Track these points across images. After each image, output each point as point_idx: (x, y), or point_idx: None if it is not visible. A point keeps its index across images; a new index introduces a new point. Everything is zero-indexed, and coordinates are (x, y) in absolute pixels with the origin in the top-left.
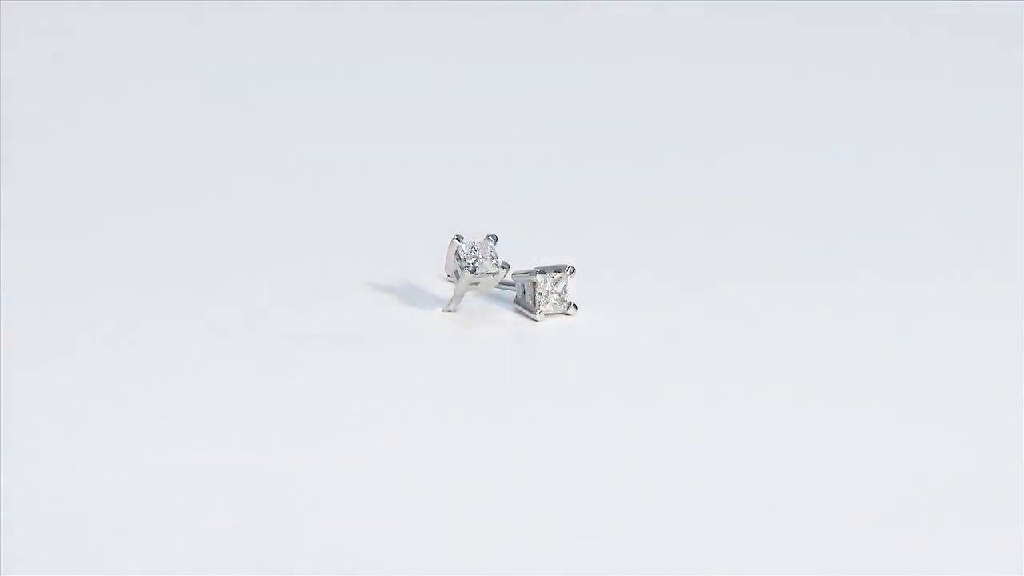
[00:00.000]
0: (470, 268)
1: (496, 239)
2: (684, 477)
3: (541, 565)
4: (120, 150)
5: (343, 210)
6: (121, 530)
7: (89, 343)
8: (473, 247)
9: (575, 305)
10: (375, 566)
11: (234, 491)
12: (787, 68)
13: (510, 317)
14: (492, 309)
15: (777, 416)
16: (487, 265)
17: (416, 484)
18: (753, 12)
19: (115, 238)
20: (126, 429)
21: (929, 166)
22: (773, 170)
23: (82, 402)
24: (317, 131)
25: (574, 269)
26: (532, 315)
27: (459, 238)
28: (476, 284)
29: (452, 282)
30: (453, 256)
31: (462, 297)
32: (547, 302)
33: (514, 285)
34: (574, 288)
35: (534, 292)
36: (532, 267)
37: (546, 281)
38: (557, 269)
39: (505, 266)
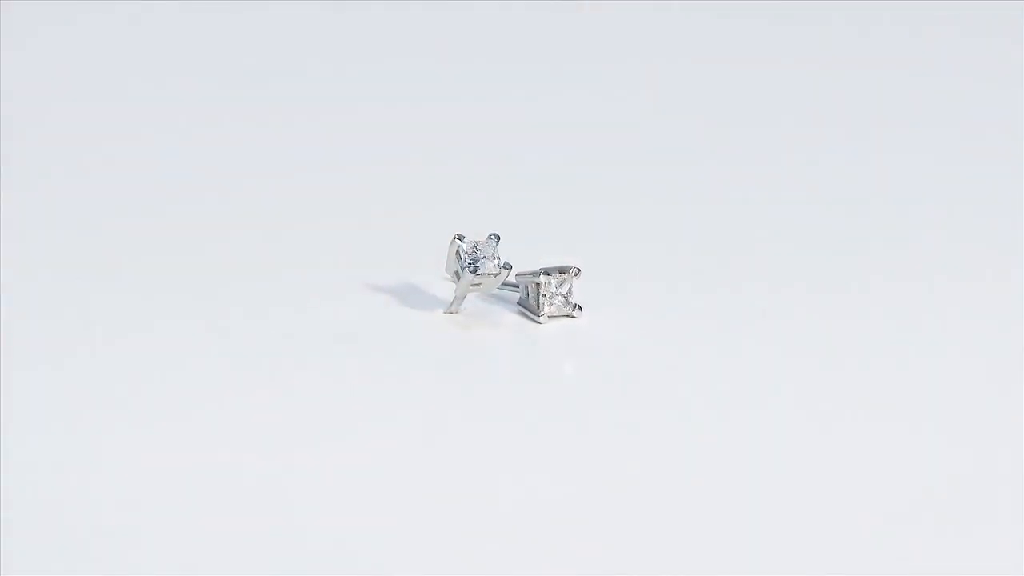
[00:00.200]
0: (471, 268)
1: (498, 239)
2: (685, 479)
3: (541, 565)
4: (120, 150)
5: (344, 210)
6: (121, 530)
7: (89, 343)
8: (475, 247)
9: (580, 307)
10: (375, 566)
11: (234, 491)
12: (792, 69)
13: (513, 319)
14: (495, 311)
15: (780, 419)
16: (488, 265)
17: (415, 485)
18: (755, 12)
19: (115, 238)
20: (126, 429)
21: (933, 167)
22: (782, 172)
23: (83, 402)
24: (317, 131)
25: (580, 270)
26: (536, 318)
27: (460, 237)
28: (478, 285)
29: (454, 283)
30: (454, 256)
31: (464, 298)
32: (551, 304)
33: (518, 286)
34: (580, 290)
35: (538, 294)
36: (536, 268)
37: (550, 283)
38: (562, 270)
39: (507, 266)
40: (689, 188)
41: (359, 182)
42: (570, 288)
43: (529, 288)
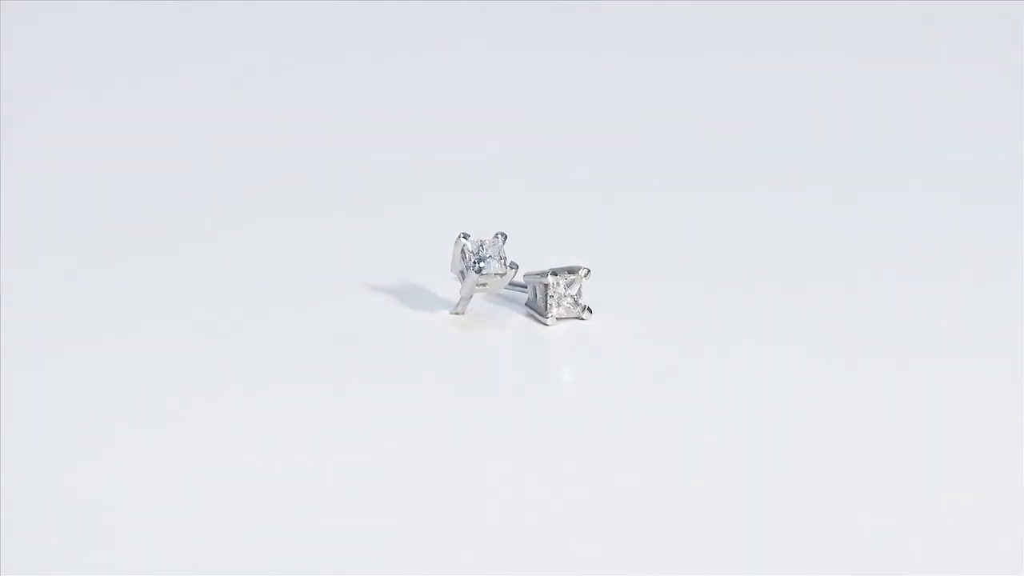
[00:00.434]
0: (475, 268)
1: (505, 237)
2: (686, 479)
3: (541, 565)
4: (120, 149)
5: (344, 209)
6: (121, 531)
7: (89, 343)
8: (480, 245)
9: (590, 309)
10: (375, 566)
11: (234, 492)
12: (795, 70)
13: (519, 321)
14: (501, 312)
15: (783, 421)
16: (494, 265)
17: (416, 485)
18: (759, 13)
19: (114, 237)
20: (126, 429)
21: (938, 168)
22: (793, 172)
23: (83, 402)
24: (318, 130)
25: (589, 271)
26: (543, 319)
27: (465, 236)
28: (483, 285)
29: (459, 283)
30: (458, 255)
31: (470, 299)
32: (559, 305)
33: (526, 287)
34: (590, 291)
35: (545, 295)
36: (544, 268)
37: (558, 283)
38: (571, 270)
39: (514, 266)
40: (706, 188)
41: (360, 181)
42: (579, 289)
43: (537, 289)
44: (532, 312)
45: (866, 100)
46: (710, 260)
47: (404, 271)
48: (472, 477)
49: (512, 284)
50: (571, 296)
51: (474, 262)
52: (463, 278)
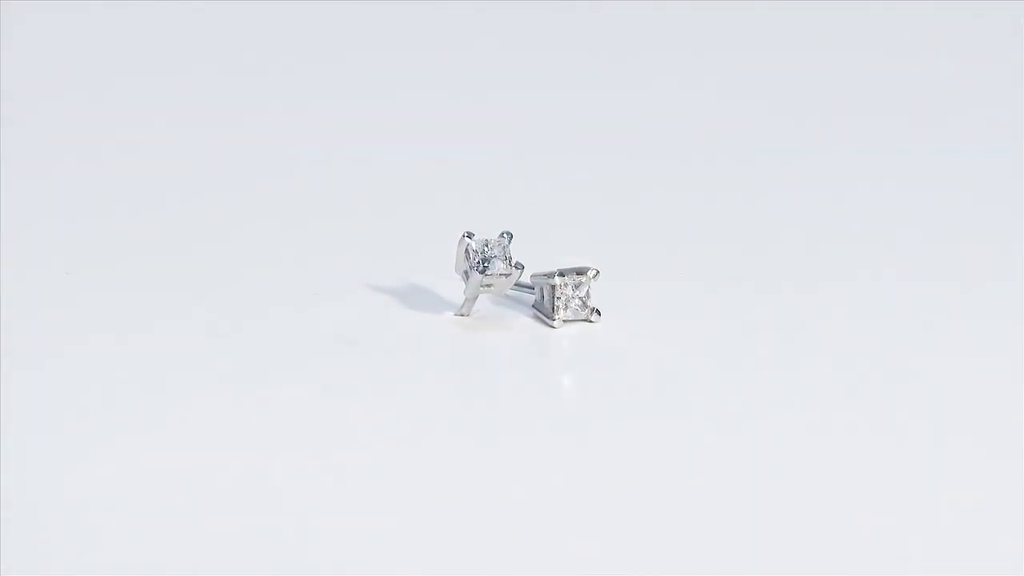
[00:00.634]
0: (479, 268)
1: (511, 237)
2: (686, 480)
3: (541, 565)
4: (120, 149)
5: (345, 209)
6: (121, 530)
7: (89, 343)
8: (485, 245)
9: (599, 311)
10: (375, 566)
11: (234, 492)
12: (800, 69)
13: (525, 323)
14: (507, 314)
15: (787, 422)
16: (499, 265)
17: (416, 485)
18: (760, 12)
19: (115, 238)
20: (126, 429)
21: (944, 169)
22: (793, 172)
23: (83, 402)
24: (318, 130)
25: (598, 272)
26: (550, 322)
27: (469, 235)
28: (489, 286)
29: (464, 283)
30: (462, 255)
31: (475, 300)
32: (567, 307)
33: (533, 288)
34: (598, 293)
35: (552, 296)
36: (552, 269)
37: (566, 284)
38: (579, 271)
39: (519, 266)
40: (717, 189)
41: (361, 181)
42: (588, 291)
43: (544, 290)
44: (539, 314)
45: (867, 100)
46: (709, 261)
47: (406, 271)
48: (472, 477)
49: (519, 285)
50: (579, 298)
51: (478, 262)
52: (467, 279)
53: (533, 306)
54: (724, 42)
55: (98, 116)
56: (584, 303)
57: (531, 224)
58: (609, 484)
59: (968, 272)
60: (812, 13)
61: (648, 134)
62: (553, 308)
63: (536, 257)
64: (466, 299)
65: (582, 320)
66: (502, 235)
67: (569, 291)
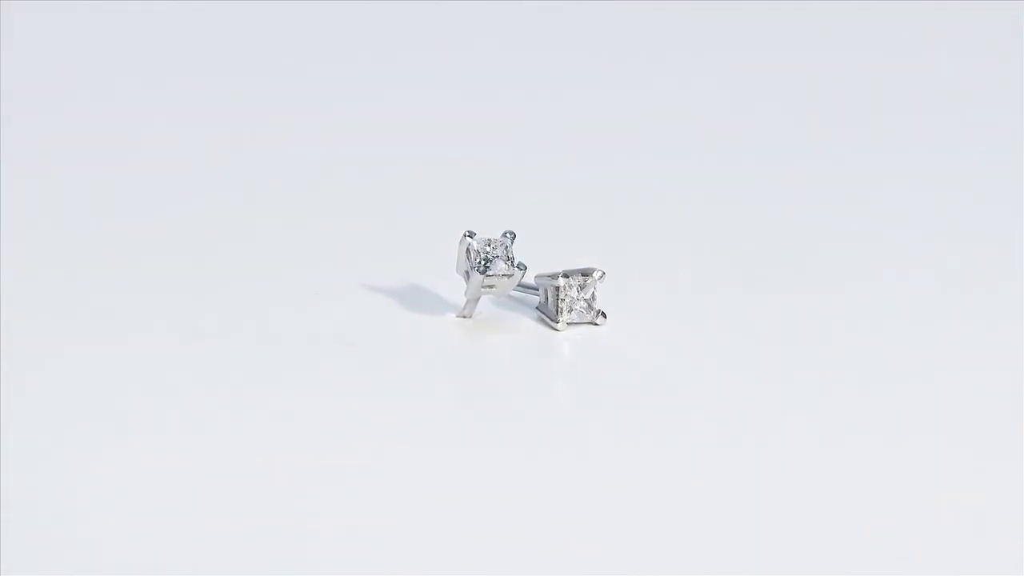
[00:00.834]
0: (481, 268)
1: (514, 237)
2: (686, 480)
3: (541, 565)
4: (120, 149)
5: (345, 209)
6: (121, 531)
7: (89, 343)
8: (487, 244)
9: (604, 314)
10: (375, 566)
11: (234, 492)
12: (801, 69)
13: (528, 325)
14: (511, 316)
15: (788, 424)
16: (501, 265)
17: (416, 485)
18: (760, 12)
19: (115, 238)
20: (126, 429)
21: (942, 166)
22: (793, 172)
23: (83, 402)
24: (318, 130)
25: (604, 273)
26: (553, 324)
27: (470, 234)
28: (491, 287)
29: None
30: (464, 255)
31: (476, 301)
32: (571, 310)
33: (537, 290)
34: (604, 295)
35: (556, 298)
36: (557, 270)
37: (570, 286)
38: (584, 273)
39: (522, 267)
40: (725, 189)
41: (361, 181)
42: (593, 293)
43: (548, 292)
44: (543, 316)
45: (867, 100)
46: (709, 261)
47: (407, 271)
48: (472, 477)
49: (522, 286)
50: (584, 300)
51: (480, 262)
52: (468, 279)
53: (537, 308)
54: (724, 42)
55: (98, 116)
56: (590, 305)
57: (531, 224)
58: (609, 484)
59: (968, 272)
60: (813, 13)
61: (648, 134)
62: (557, 310)
63: (538, 258)
64: (468, 300)
65: (587, 323)
66: (505, 235)
67: (574, 293)
